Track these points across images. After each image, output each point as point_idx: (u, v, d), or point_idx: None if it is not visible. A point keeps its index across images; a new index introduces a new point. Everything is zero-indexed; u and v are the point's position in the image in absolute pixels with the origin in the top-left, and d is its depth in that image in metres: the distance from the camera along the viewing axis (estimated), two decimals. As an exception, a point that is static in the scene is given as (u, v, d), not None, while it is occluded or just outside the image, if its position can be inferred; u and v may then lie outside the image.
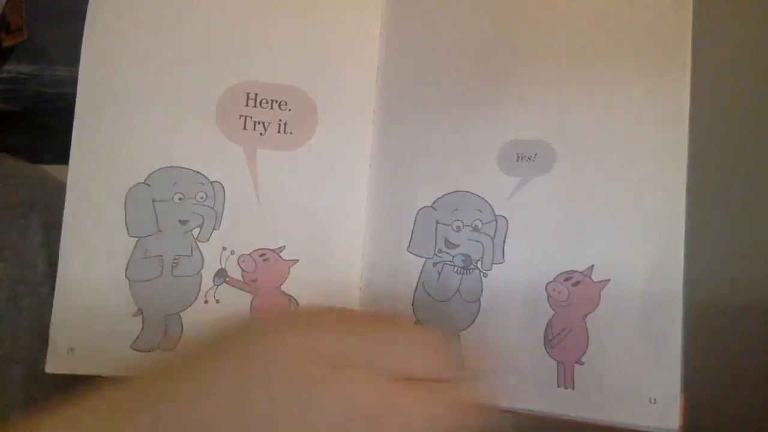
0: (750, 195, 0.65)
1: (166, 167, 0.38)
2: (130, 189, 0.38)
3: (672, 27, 0.36)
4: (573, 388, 0.35)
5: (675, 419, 0.33)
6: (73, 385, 0.48)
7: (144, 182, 0.38)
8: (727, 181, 0.64)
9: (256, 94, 0.39)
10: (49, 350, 0.37)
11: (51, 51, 1.03)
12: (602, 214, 0.36)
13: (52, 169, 0.57)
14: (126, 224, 0.38)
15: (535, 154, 0.37)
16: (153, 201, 0.38)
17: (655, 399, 0.33)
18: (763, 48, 0.65)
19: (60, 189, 0.53)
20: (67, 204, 0.38)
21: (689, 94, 0.35)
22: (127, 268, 0.38)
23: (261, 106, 0.39)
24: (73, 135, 0.38)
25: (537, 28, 0.38)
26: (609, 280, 0.35)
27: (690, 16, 0.36)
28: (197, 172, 0.39)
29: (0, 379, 0.42)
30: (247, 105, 0.39)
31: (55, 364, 0.37)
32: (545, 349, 0.36)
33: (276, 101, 0.40)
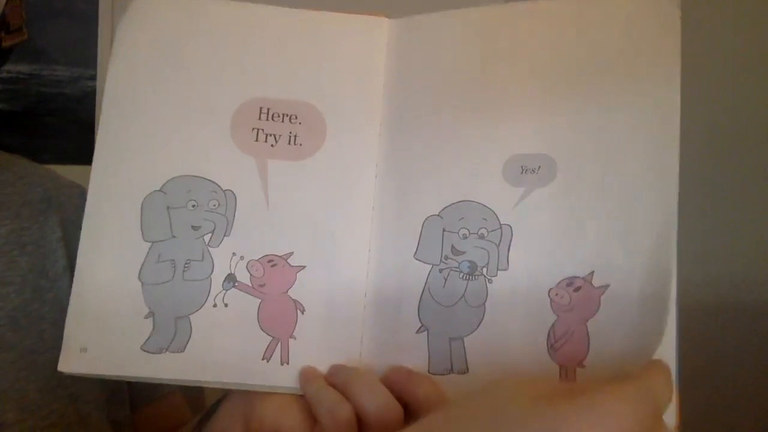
0: (749, 198, 0.65)
1: (181, 176, 0.40)
2: (147, 196, 0.40)
3: (661, 48, 0.38)
4: (576, 392, 0.35)
5: (672, 419, 0.33)
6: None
7: (160, 190, 0.40)
8: (727, 183, 0.64)
9: (268, 109, 0.41)
10: (63, 349, 0.38)
11: (51, 51, 1.04)
12: (601, 222, 0.37)
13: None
14: (141, 229, 0.39)
15: (539, 167, 0.39)
16: (168, 208, 0.40)
17: None
18: (753, 53, 0.67)
19: (72, 188, 0.55)
20: (87, 209, 0.40)
21: (679, 110, 0.37)
22: (140, 272, 0.39)
23: (273, 120, 0.41)
24: (96, 145, 0.40)
25: (530, 50, 0.40)
26: (608, 285, 0.36)
27: (678, 38, 0.38)
28: (210, 180, 0.40)
29: (28, 369, 0.43)
30: (260, 118, 0.41)
31: (67, 362, 0.38)
32: (548, 352, 0.36)
33: (287, 115, 0.41)
